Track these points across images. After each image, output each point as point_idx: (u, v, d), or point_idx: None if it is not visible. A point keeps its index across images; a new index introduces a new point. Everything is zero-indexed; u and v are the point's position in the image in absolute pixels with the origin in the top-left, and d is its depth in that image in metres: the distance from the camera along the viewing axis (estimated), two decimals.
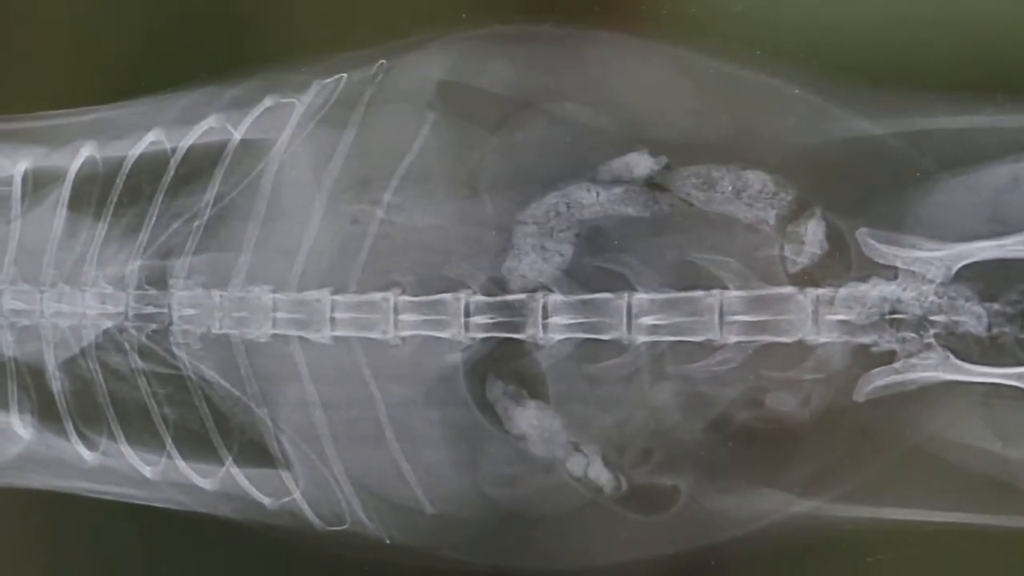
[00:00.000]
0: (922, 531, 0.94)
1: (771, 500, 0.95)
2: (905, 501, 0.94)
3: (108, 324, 1.09)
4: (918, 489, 0.93)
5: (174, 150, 1.10)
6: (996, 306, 0.88)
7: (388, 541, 1.04)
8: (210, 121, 1.09)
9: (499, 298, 0.97)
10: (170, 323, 1.07)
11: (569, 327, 0.95)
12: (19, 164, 1.12)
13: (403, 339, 0.99)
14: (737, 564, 1.00)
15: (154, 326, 1.08)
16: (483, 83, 1.01)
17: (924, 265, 0.90)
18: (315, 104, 1.05)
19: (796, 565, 0.99)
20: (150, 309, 1.08)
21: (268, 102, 1.07)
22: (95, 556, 1.18)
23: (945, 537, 0.94)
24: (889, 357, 0.90)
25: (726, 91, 0.98)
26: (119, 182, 1.10)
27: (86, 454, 1.11)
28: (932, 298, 0.89)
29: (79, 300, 1.09)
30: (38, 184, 1.12)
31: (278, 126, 1.06)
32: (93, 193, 1.11)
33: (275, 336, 1.03)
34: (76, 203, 1.10)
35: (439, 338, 0.98)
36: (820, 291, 0.90)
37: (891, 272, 0.90)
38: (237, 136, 1.07)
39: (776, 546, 0.97)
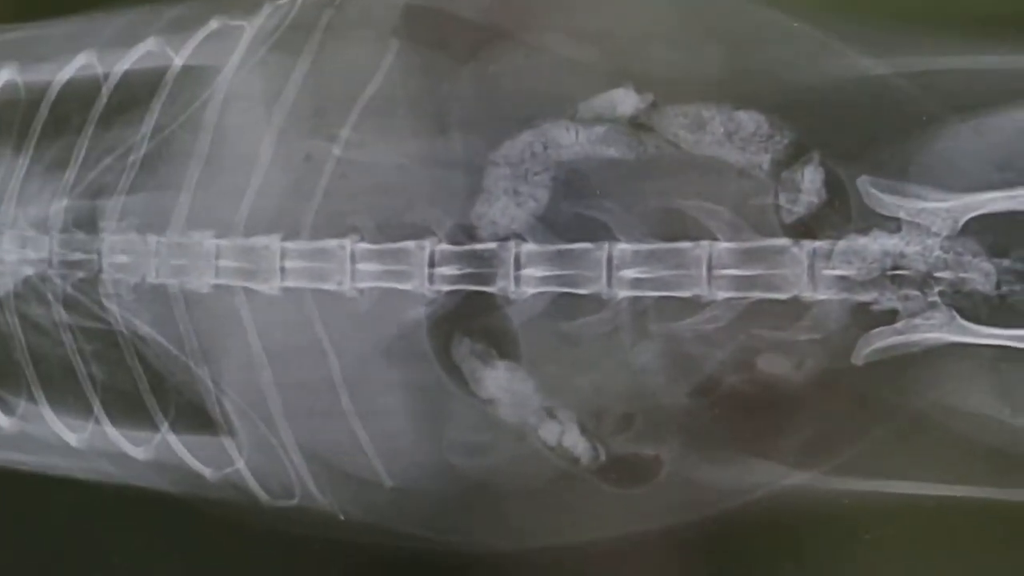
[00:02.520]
0: (923, 505, 0.97)
1: (762, 471, 0.99)
2: (906, 473, 0.97)
3: (29, 271, 1.14)
4: (920, 460, 0.97)
5: (107, 76, 1.15)
6: (1006, 262, 0.90)
7: (342, 517, 1.09)
8: (148, 44, 1.14)
9: (467, 247, 1.00)
10: (99, 271, 1.12)
11: (543, 280, 0.98)
12: None
13: (360, 291, 1.03)
14: (724, 540, 1.03)
15: (81, 274, 1.12)
16: (454, 8, 1.05)
17: (929, 217, 0.92)
18: (266, 28, 1.09)
19: (789, 541, 1.02)
20: (77, 255, 1.12)
21: (214, 24, 1.12)
22: (9, 534, 1.23)
23: (948, 512, 0.97)
24: (890, 316, 0.93)
25: (719, 23, 1.01)
26: (43, 110, 1.15)
27: (2, 419, 1.17)
28: (937, 253, 0.92)
29: None
30: None
31: (225, 51, 1.10)
32: (13, 122, 1.16)
33: (217, 287, 1.07)
34: None
35: (400, 290, 1.02)
36: (817, 244, 0.93)
37: (894, 224, 0.93)
38: (178, 62, 1.12)
39: (767, 521, 1.01)
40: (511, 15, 1.03)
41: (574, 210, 0.99)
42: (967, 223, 0.91)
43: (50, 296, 1.12)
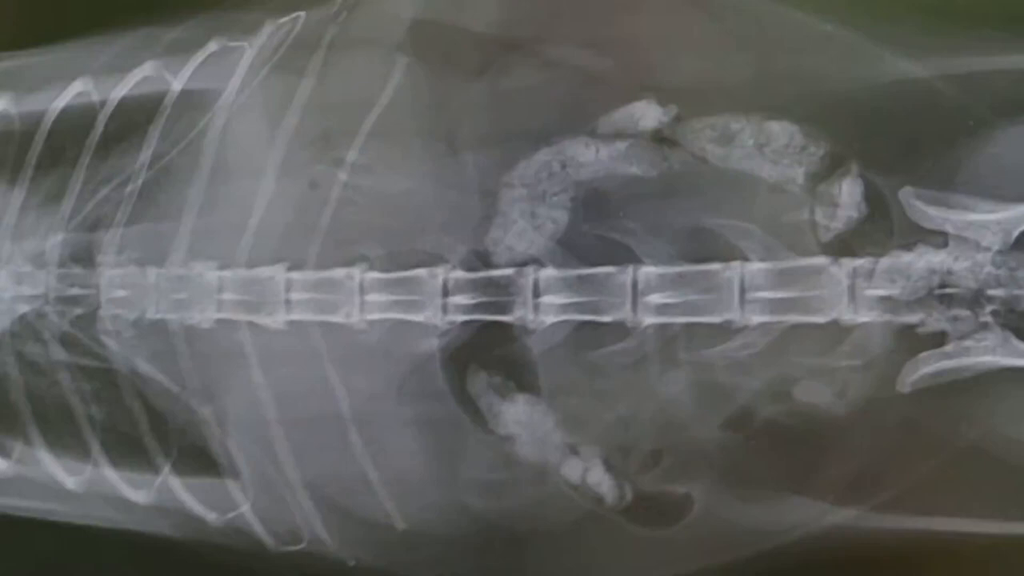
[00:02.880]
0: (978, 544, 0.95)
1: (801, 510, 0.96)
2: (958, 510, 0.94)
3: (25, 308, 1.11)
4: (974, 495, 0.94)
5: (103, 103, 1.12)
6: None
7: (352, 563, 1.06)
8: (145, 69, 1.11)
9: (482, 274, 0.98)
10: (98, 307, 1.09)
11: (564, 307, 0.96)
12: None
13: (370, 323, 1.01)
14: None
15: (79, 310, 1.09)
16: (463, 20, 1.03)
17: (979, 230, 0.90)
18: (268, 48, 1.07)
19: None
20: (74, 290, 1.09)
21: (213, 46, 1.09)
22: None
23: (1006, 552, 0.95)
24: (939, 339, 0.91)
25: (746, 27, 0.99)
26: (38, 141, 1.12)
27: None
28: (988, 268, 0.90)
29: None
30: None
31: (224, 74, 1.08)
32: (7, 154, 1.13)
33: (220, 321, 1.05)
34: None
35: (412, 322, 1.00)
36: (857, 262, 0.91)
37: (940, 239, 0.90)
38: (177, 86, 1.09)
39: (808, 563, 0.98)
40: (524, 26, 1.01)
41: (595, 232, 0.96)
42: (1020, 235, 0.89)
43: (47, 334, 1.10)
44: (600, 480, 0.98)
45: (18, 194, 1.12)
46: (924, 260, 0.91)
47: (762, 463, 0.96)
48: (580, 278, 0.96)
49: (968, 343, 0.90)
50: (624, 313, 0.96)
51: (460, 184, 1.00)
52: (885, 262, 0.91)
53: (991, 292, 0.89)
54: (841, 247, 0.92)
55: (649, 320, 0.95)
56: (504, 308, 0.98)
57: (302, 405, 1.04)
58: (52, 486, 1.13)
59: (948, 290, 0.90)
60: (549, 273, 0.97)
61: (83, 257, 1.10)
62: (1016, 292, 0.89)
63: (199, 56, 1.09)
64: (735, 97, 0.96)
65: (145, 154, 1.08)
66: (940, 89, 0.93)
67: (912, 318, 0.91)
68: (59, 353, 1.10)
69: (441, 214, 1.00)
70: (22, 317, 1.11)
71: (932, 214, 0.91)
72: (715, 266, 0.94)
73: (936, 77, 0.93)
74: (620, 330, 0.96)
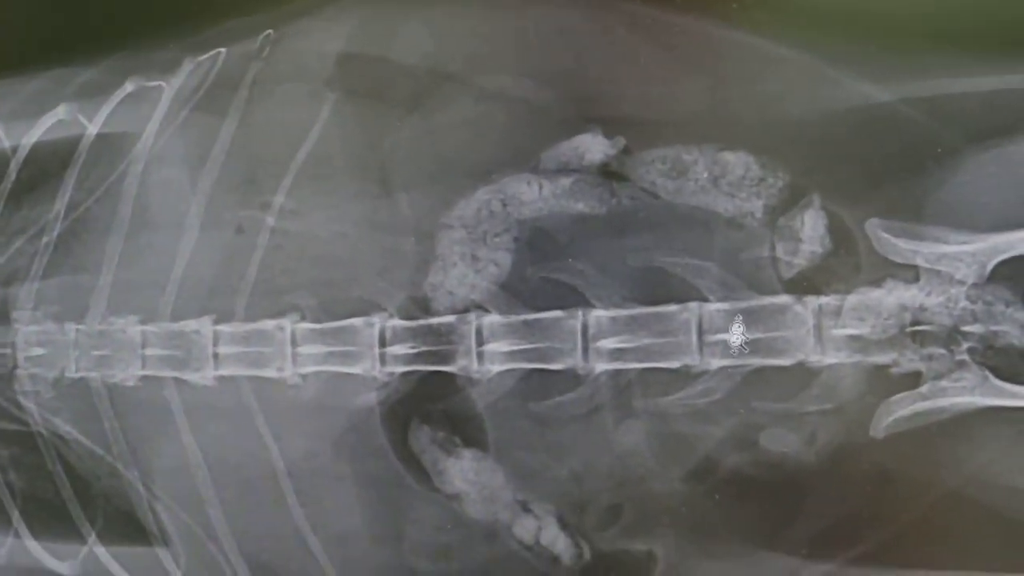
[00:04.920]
0: None
1: (772, 566, 0.92)
2: (940, 561, 0.90)
3: None
4: (955, 545, 0.90)
5: (15, 149, 1.09)
6: None
7: None
8: (59, 112, 1.09)
9: (421, 322, 0.95)
10: (14, 366, 1.07)
11: (510, 355, 0.94)
12: None
13: (304, 377, 0.98)
14: None
15: None
16: (393, 53, 1.00)
17: (952, 263, 0.87)
18: (187, 87, 1.05)
19: None
20: None
21: (129, 87, 1.06)
22: None
23: None
24: (913, 380, 0.88)
25: (697, 53, 0.96)
26: None
27: None
28: (964, 303, 0.87)
29: None
30: None
31: (142, 116, 1.05)
32: None
33: (145, 378, 1.02)
34: None
35: (348, 374, 0.97)
36: (823, 300, 0.88)
37: (911, 273, 0.88)
38: (92, 130, 1.07)
39: None
40: (458, 57, 0.98)
41: (541, 275, 0.94)
42: (996, 268, 0.86)
43: None
44: (555, 538, 0.94)
45: None
46: (894, 296, 0.88)
47: (728, 517, 0.92)
48: (526, 324, 0.94)
49: (944, 383, 0.87)
50: (574, 360, 0.92)
51: (395, 226, 0.97)
52: (853, 299, 0.88)
53: (967, 328, 0.86)
54: (805, 284, 0.89)
55: (601, 367, 0.92)
56: (446, 358, 0.95)
57: (234, 465, 1.01)
58: None
59: (921, 327, 0.87)
60: (493, 319, 0.94)
61: None
62: (994, 328, 0.86)
63: (115, 97, 1.06)
64: (687, 127, 0.93)
65: (60, 203, 1.06)
66: (906, 114, 0.90)
67: (884, 358, 0.88)
68: None
69: (376, 259, 0.97)
70: None
71: (901, 247, 0.88)
72: (671, 308, 0.91)
73: (901, 101, 0.90)
74: (571, 378, 0.93)
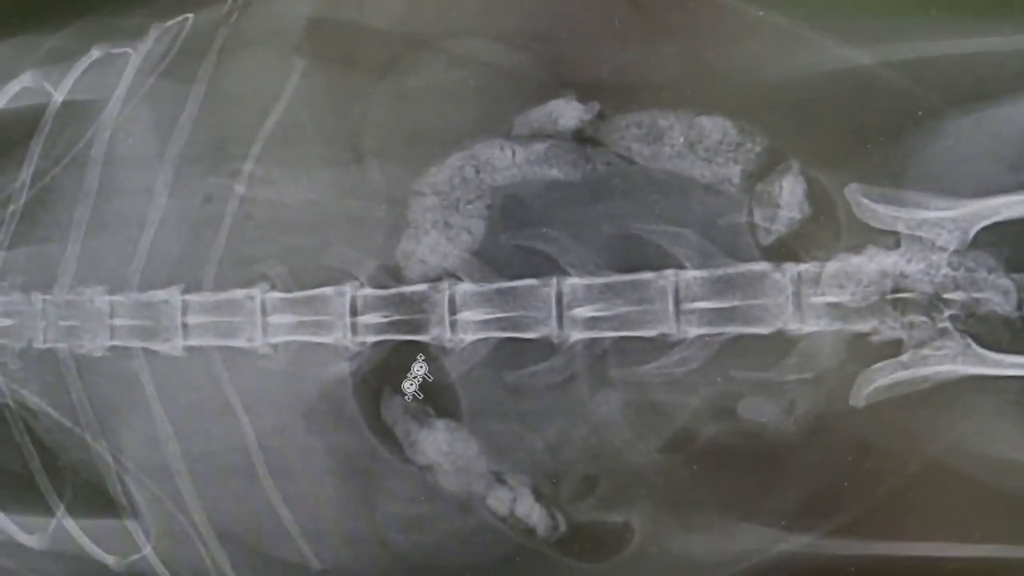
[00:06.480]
0: (943, 570, 0.89)
1: (750, 537, 0.91)
2: (920, 532, 0.90)
3: None
4: (936, 516, 0.89)
5: None
6: None
7: None
8: (23, 80, 1.07)
9: (393, 290, 0.94)
10: None
11: (483, 324, 0.93)
12: None
13: (274, 347, 0.97)
14: None
15: None
16: (364, 17, 0.98)
17: (933, 229, 0.86)
18: (154, 53, 1.03)
19: None
20: None
21: (95, 53, 1.04)
22: None
23: (972, 575, 0.89)
24: (894, 348, 0.86)
25: (673, 16, 0.94)
26: None
27: None
28: (945, 270, 0.85)
29: None
30: None
31: (109, 83, 1.03)
32: None
33: (113, 349, 1.01)
34: None
35: (319, 344, 0.96)
36: (802, 267, 0.87)
37: (891, 239, 0.87)
38: (58, 97, 1.05)
39: None
40: (430, 21, 0.96)
41: (515, 242, 0.93)
42: (978, 234, 0.85)
43: None
44: (530, 510, 0.94)
45: None
46: (875, 263, 0.87)
47: (706, 487, 0.91)
48: (500, 292, 0.93)
49: (926, 351, 0.86)
50: (549, 329, 0.91)
51: (366, 194, 0.96)
52: (832, 266, 0.87)
53: (949, 296, 0.86)
54: (784, 251, 0.88)
55: (576, 336, 0.91)
56: (418, 327, 0.94)
57: (204, 437, 1.00)
58: None
59: (902, 295, 0.86)
60: (466, 288, 0.93)
61: None
62: (976, 295, 0.85)
63: (81, 64, 1.04)
64: (663, 91, 0.92)
65: (26, 171, 1.04)
66: (886, 77, 0.88)
67: (864, 326, 0.87)
68: None
69: (347, 227, 0.96)
70: None
71: (882, 213, 0.87)
72: (647, 275, 0.90)
73: (881, 64, 0.89)
74: (545, 347, 0.92)
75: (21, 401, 1.04)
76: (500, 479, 0.94)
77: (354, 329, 0.95)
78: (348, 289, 0.95)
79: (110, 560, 1.04)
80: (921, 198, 0.87)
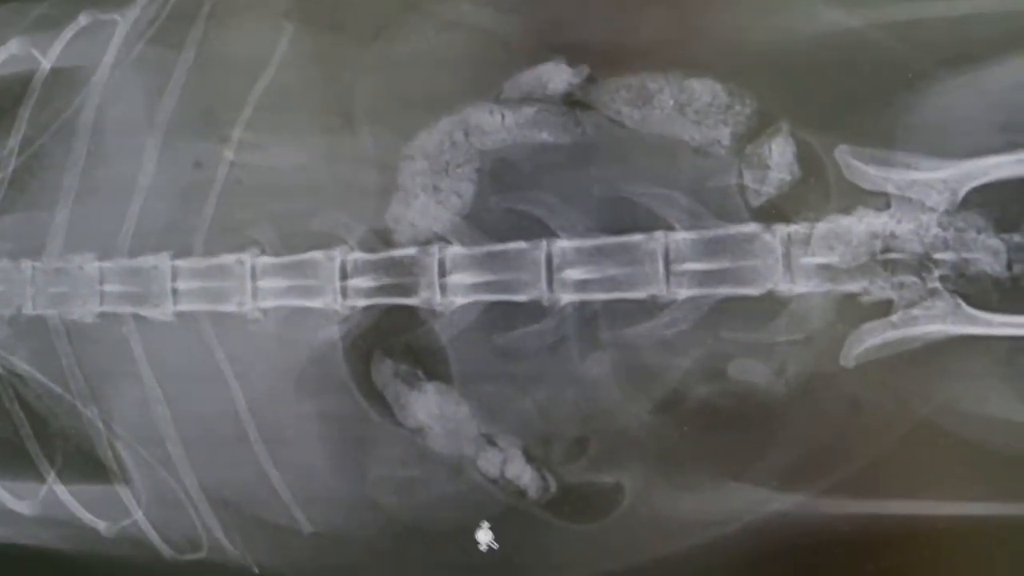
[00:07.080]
0: (934, 527, 0.89)
1: (742, 497, 0.91)
2: (911, 491, 0.89)
3: None
4: (927, 475, 0.89)
5: None
6: (1017, 237, 0.84)
7: (256, 569, 1.00)
8: (11, 47, 1.06)
9: (383, 254, 0.94)
10: None
11: (473, 287, 0.92)
12: None
13: (264, 312, 0.97)
14: None
15: None
16: None
17: (923, 189, 0.85)
18: (143, 20, 1.02)
19: None
20: None
21: (83, 20, 1.04)
22: None
23: (963, 534, 0.89)
24: (884, 308, 0.86)
25: None
26: None
27: None
28: (935, 231, 0.85)
29: None
30: None
31: (97, 50, 1.03)
32: None
33: (103, 315, 1.01)
34: None
35: (310, 308, 0.96)
36: (792, 228, 0.87)
37: (881, 200, 0.86)
38: (46, 64, 1.04)
39: (750, 555, 0.92)
40: None
41: (504, 205, 0.92)
42: (968, 194, 0.85)
43: None
44: (521, 472, 0.93)
45: None
46: (865, 224, 0.86)
47: (697, 448, 0.91)
48: (490, 255, 0.92)
49: (916, 311, 0.85)
50: (539, 291, 0.91)
51: (356, 158, 0.95)
52: (822, 227, 0.87)
53: (939, 256, 0.85)
54: (774, 213, 0.88)
55: (567, 298, 0.91)
56: (408, 290, 0.94)
57: (195, 402, 1.00)
58: None
59: (892, 255, 0.86)
60: (456, 251, 0.93)
61: None
62: (966, 255, 0.85)
63: (69, 31, 1.04)
64: (652, 54, 0.91)
65: (15, 139, 1.04)
66: (875, 39, 0.88)
67: (854, 286, 0.86)
68: None
69: (336, 192, 0.96)
70: None
71: (872, 174, 0.86)
72: (637, 237, 0.90)
73: (871, 26, 0.88)
74: (535, 310, 0.92)
75: (11, 368, 1.04)
76: (491, 441, 0.94)
77: (344, 293, 0.94)
78: (338, 253, 0.95)
79: (101, 525, 1.03)
80: (911, 159, 0.86)
